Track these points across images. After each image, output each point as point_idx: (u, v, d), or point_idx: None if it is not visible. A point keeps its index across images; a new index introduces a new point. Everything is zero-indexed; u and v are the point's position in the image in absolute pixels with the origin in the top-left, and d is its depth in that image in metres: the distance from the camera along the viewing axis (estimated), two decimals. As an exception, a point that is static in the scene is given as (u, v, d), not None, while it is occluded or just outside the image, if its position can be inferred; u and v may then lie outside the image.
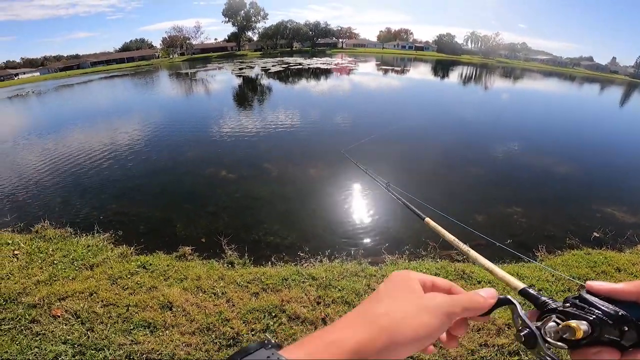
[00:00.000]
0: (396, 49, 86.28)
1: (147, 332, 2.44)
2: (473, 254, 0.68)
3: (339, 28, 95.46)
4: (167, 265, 3.35)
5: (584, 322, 0.36)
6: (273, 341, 0.32)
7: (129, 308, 2.67)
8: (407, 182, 5.64)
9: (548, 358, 0.37)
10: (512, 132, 10.41)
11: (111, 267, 3.27)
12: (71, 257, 3.43)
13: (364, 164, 2.85)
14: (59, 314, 2.63)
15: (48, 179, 6.66)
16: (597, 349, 0.35)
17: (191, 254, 3.68)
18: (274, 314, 2.57)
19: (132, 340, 2.35)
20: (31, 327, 2.51)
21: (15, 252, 3.62)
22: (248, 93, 19.73)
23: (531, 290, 0.45)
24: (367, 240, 4.22)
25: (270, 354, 0.29)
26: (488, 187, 6.10)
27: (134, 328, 2.47)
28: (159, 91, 24.50)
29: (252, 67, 37.82)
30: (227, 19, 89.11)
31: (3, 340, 2.39)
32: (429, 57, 71.40)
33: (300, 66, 36.54)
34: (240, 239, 4.09)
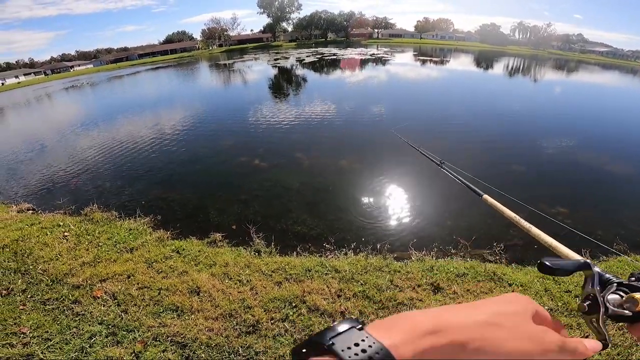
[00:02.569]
0: (435, 39, 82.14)
1: (175, 316, 2.55)
2: (535, 230, 0.67)
3: (374, 18, 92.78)
4: (199, 251, 3.49)
5: None
6: (357, 319, 0.29)
7: (161, 291, 2.81)
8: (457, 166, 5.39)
9: (601, 327, 0.38)
10: (564, 126, 9.50)
11: (148, 251, 3.46)
12: (114, 239, 3.66)
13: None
14: (99, 295, 2.80)
15: (98, 165, 7.25)
16: None
17: (221, 240, 3.80)
18: (294, 304, 2.59)
19: (160, 323, 2.47)
20: (73, 308, 2.68)
21: (66, 234, 3.90)
22: (283, 83, 19.92)
23: (596, 268, 0.43)
24: (394, 235, 4.11)
25: (365, 336, 0.26)
26: (532, 185, 5.65)
27: (163, 311, 2.59)
28: (199, 82, 25.57)
29: (287, 58, 38.06)
30: (262, 10, 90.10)
31: (45, 320, 2.54)
32: (471, 47, 67.24)
33: (335, 57, 36.15)
34: (269, 227, 4.16)
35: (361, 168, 6.18)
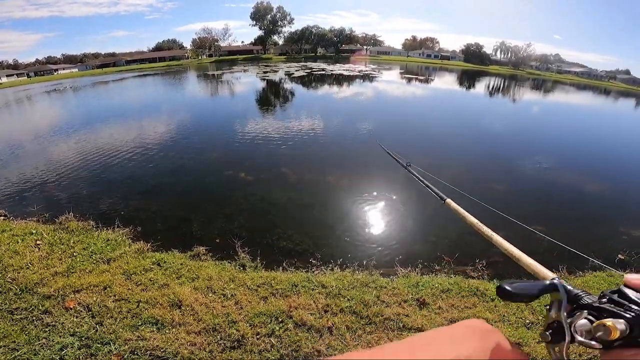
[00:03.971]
0: (421, 58, 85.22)
1: (154, 329, 2.47)
2: (497, 238, 0.64)
3: (364, 35, 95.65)
4: (181, 264, 3.39)
5: (622, 320, 0.32)
6: None
7: (140, 304, 2.71)
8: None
9: (564, 358, 0.34)
10: (539, 146, 9.93)
11: (127, 262, 3.34)
12: (90, 250, 3.52)
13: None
14: (72, 306, 2.68)
15: (76, 172, 6.99)
16: (634, 352, 0.31)
17: (205, 254, 3.71)
18: (280, 320, 2.55)
19: (138, 336, 2.38)
20: (42, 318, 2.57)
21: (38, 242, 3.74)
22: (271, 97, 20.02)
23: (563, 282, 0.41)
24: (380, 252, 4.12)
25: None
26: (509, 204, 5.83)
27: (142, 324, 2.50)
28: (186, 91, 25.36)
29: (276, 71, 38.44)
30: (254, 22, 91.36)
31: (13, 330, 2.44)
32: (454, 66, 70.02)
33: (324, 72, 36.81)
34: (254, 242, 4.09)
35: (347, 184, 6.21)
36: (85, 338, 2.36)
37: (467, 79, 41.99)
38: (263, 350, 2.26)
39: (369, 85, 26.38)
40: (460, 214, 0.82)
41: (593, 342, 0.33)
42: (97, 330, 2.42)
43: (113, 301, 2.73)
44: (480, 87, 33.08)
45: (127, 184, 6.29)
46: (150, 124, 11.94)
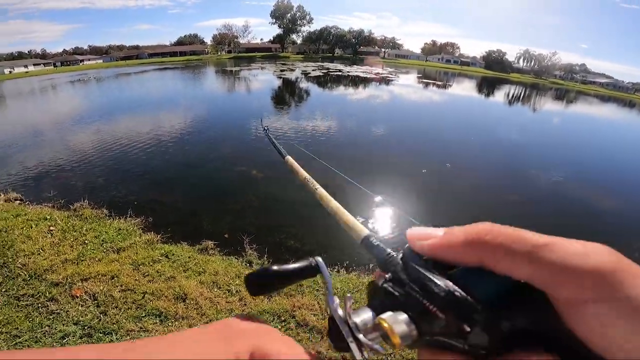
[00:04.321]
0: (440, 63, 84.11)
1: (157, 321, 2.47)
2: (320, 191, 0.61)
3: (383, 37, 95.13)
4: (189, 257, 3.39)
5: (404, 315, 0.22)
6: None
7: (145, 295, 2.71)
8: (433, 211, 5.37)
9: None
10: (555, 159, 9.58)
11: (136, 253, 3.36)
12: (102, 238, 3.56)
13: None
14: (78, 295, 2.70)
15: (93, 161, 7.16)
16: (447, 358, 0.22)
17: (213, 248, 3.71)
18: (283, 318, 2.54)
19: (140, 327, 2.38)
20: (48, 305, 2.59)
21: (51, 228, 3.79)
22: (286, 95, 20.11)
23: (374, 240, 0.33)
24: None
25: None
26: (523, 216, 5.63)
27: (145, 315, 2.51)
28: (203, 87, 25.75)
29: (292, 70, 38.62)
30: (274, 20, 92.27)
31: (17, 317, 2.46)
32: (474, 73, 68.78)
33: (340, 73, 36.74)
34: (262, 239, 4.07)
35: (357, 188, 6.13)
36: (88, 327, 2.37)
37: (487, 86, 41.15)
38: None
39: (384, 89, 26.17)
40: (295, 169, 0.86)
41: (374, 346, 0.23)
42: (100, 320, 2.43)
43: (119, 291, 2.75)
44: (500, 95, 32.36)
45: (141, 175, 6.38)
46: (167, 117, 12.15)
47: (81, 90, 26.15)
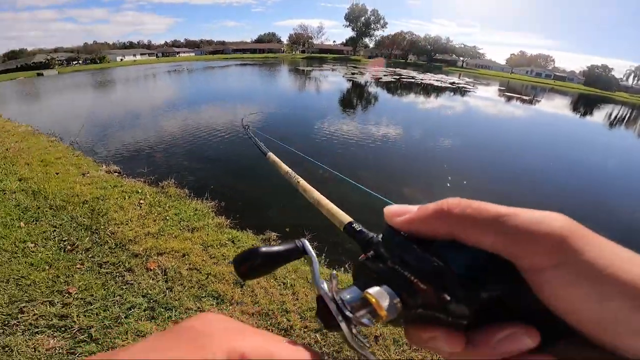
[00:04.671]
0: (528, 76, 75.67)
1: (214, 303, 2.58)
2: (303, 183, 0.63)
3: (462, 45, 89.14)
4: (252, 245, 3.56)
5: (388, 289, 0.23)
6: None
7: (209, 276, 2.85)
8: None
9: (354, 347, 0.23)
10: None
11: (207, 234, 3.57)
12: (180, 216, 3.86)
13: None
14: (152, 268, 2.89)
15: (180, 144, 8.00)
16: (430, 333, 0.23)
17: (275, 239, 3.81)
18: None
19: (198, 307, 2.50)
20: (124, 275, 2.78)
21: (141, 201, 4.20)
22: (354, 98, 20.10)
23: (357, 226, 0.35)
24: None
25: None
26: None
27: (205, 296, 2.63)
28: (278, 83, 27.16)
29: (363, 74, 38.47)
30: (348, 23, 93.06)
31: (95, 284, 2.63)
32: (569, 89, 60.37)
33: (412, 80, 35.43)
34: (322, 238, 4.06)
35: (413, 195, 5.82)
36: (154, 301, 2.52)
37: (584, 104, 35.77)
38: (306, 344, 2.25)
39: (459, 99, 24.45)
40: (278, 165, 0.87)
41: (363, 322, 0.23)
42: (165, 295, 2.59)
43: (187, 269, 2.93)
44: (599, 115, 27.86)
45: (218, 161, 6.94)
46: (243, 110, 13.08)
47: (175, 79, 29.71)
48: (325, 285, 0.27)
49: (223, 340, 0.21)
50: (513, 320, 0.22)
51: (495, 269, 0.21)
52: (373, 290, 0.24)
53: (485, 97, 28.17)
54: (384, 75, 37.17)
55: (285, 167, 0.82)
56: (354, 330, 0.23)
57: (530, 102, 30.36)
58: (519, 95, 33.93)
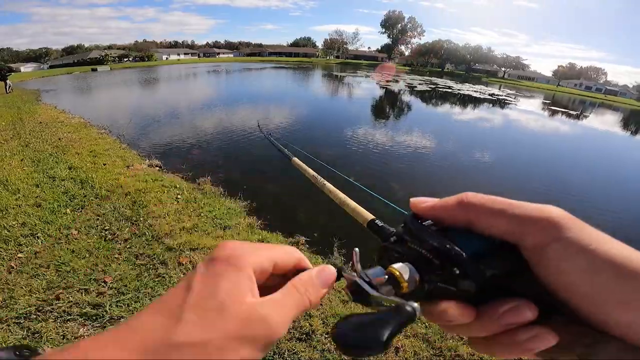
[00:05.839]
0: (577, 89, 70.75)
1: None
2: (329, 186, 0.69)
3: (504, 55, 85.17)
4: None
5: (407, 264, 0.27)
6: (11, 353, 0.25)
7: (235, 277, 2.95)
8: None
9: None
10: None
11: (238, 233, 3.63)
12: (214, 214, 3.97)
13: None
14: (184, 262, 2.95)
15: (216, 143, 8.28)
16: (444, 305, 0.26)
17: (303, 244, 3.79)
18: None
19: None
20: (158, 268, 2.83)
21: (179, 196, 4.36)
22: (387, 107, 19.84)
23: (379, 222, 0.39)
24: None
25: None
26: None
27: (232, 295, 2.71)
28: (311, 88, 27.48)
29: (397, 82, 37.92)
30: (383, 30, 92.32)
31: (130, 274, 2.69)
32: (622, 104, 55.62)
33: (450, 90, 34.36)
34: (350, 245, 4.02)
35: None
36: None
37: (637, 121, 32.77)
38: (326, 350, 2.23)
39: (498, 112, 23.34)
40: (303, 169, 0.91)
41: (394, 298, 0.26)
42: None
43: None
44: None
45: (253, 162, 7.07)
46: (276, 113, 13.37)
47: (214, 79, 31.03)
48: (358, 268, 0.30)
49: (251, 257, 0.26)
50: (513, 296, 0.25)
51: (500, 254, 0.26)
52: (396, 265, 0.27)
53: (527, 111, 26.69)
54: (419, 84, 36.40)
55: (310, 171, 0.87)
56: (377, 294, 0.26)
57: (578, 117, 28.31)
58: (564, 109, 31.77)
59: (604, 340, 0.22)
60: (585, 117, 30.04)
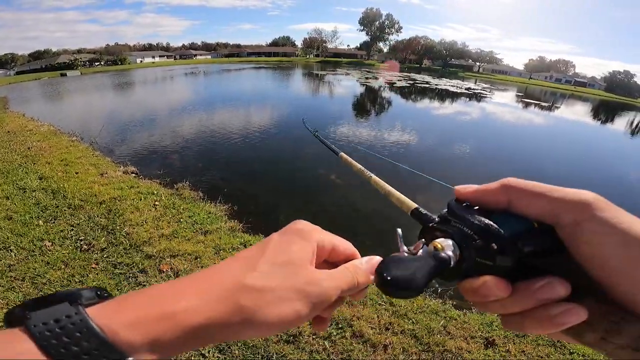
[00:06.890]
0: (548, 82, 73.80)
1: None
2: (375, 178, 0.72)
3: (478, 50, 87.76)
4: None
5: (450, 240, 0.30)
6: (94, 293, 0.24)
7: (220, 280, 2.90)
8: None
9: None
10: None
11: (220, 238, 3.56)
12: (194, 219, 3.88)
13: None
14: (165, 270, 2.89)
15: (195, 147, 8.09)
16: (482, 279, 0.27)
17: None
18: (340, 326, 2.49)
19: None
20: (137, 277, 2.78)
21: (156, 202, 4.23)
22: (368, 104, 20.02)
23: (422, 210, 0.41)
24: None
25: (74, 312, 0.21)
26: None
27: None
28: (292, 88, 27.36)
29: (377, 78, 38.31)
30: (362, 27, 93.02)
31: (108, 284, 2.64)
32: (590, 95, 58.48)
33: (427, 85, 35.05)
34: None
35: (437, 206, 5.69)
36: None
37: (605, 111, 34.58)
38: (314, 351, 2.23)
39: (475, 105, 24.02)
40: (351, 164, 0.95)
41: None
42: None
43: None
44: (621, 123, 26.84)
45: (231, 164, 6.98)
46: (257, 114, 13.22)
47: (191, 82, 30.31)
48: (404, 249, 0.33)
49: (317, 235, 0.33)
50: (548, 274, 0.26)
51: (536, 233, 0.27)
52: (439, 239, 0.30)
53: (501, 103, 27.61)
54: (398, 80, 36.91)
55: (357, 165, 0.90)
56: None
57: (550, 108, 29.53)
58: (537, 102, 33.07)
59: (630, 320, 0.23)
60: (557, 108, 31.38)
